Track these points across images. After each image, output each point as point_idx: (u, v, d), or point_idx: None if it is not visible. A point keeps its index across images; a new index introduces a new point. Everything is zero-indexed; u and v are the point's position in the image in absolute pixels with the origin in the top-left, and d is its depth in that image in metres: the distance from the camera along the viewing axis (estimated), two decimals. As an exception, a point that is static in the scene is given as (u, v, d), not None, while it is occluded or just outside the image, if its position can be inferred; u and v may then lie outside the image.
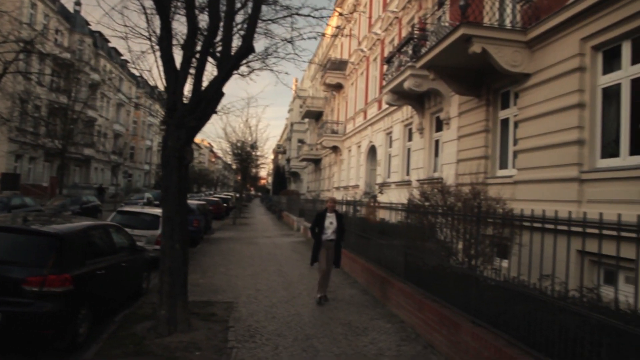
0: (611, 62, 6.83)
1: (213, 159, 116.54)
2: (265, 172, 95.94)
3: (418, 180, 13.05)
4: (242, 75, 6.94)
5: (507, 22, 8.76)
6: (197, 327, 6.30)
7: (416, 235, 7.26)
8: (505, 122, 9.41)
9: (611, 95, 6.78)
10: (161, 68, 6.09)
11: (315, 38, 6.94)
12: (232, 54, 6.10)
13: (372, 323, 6.96)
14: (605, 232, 3.75)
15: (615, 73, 6.67)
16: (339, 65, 26.69)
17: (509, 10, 8.91)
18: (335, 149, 27.34)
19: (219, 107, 6.08)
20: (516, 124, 8.64)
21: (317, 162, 35.94)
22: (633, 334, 3.23)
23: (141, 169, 63.11)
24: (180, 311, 6.15)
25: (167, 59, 6.05)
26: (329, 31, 34.53)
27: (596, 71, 7.01)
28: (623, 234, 3.55)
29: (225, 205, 35.81)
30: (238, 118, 60.13)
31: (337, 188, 25.74)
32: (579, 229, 4.03)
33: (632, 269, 4.00)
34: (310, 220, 19.06)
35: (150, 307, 7.15)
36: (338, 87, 28.00)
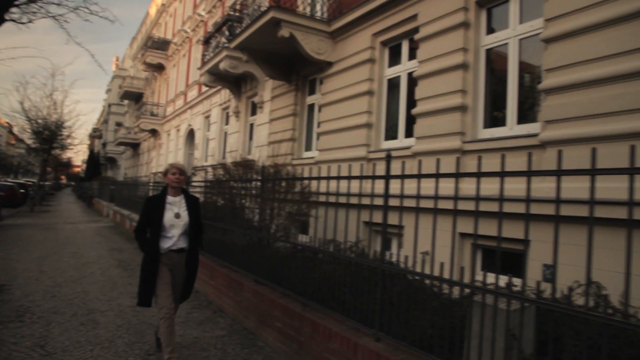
0: (395, 56, 7.77)
1: (13, 142, 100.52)
2: (80, 159, 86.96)
3: (232, 163, 13.10)
4: (18, 22, 6.07)
5: (318, 13, 9.31)
6: (-51, 312, 5.38)
7: (213, 207, 7.30)
8: (311, 107, 10.02)
9: (394, 85, 7.72)
10: None
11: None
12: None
13: (166, 296, 6.76)
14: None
15: (397, 66, 7.62)
16: (162, 45, 25.37)
17: (319, 2, 9.47)
18: (154, 133, 25.93)
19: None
20: (320, 109, 9.26)
21: (135, 146, 33.64)
22: (373, 268, 3.73)
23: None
24: None
25: None
26: (153, 10, 32.61)
27: (383, 64, 7.91)
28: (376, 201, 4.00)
29: (22, 191, 31.27)
30: (40, 91, 52.97)
31: (155, 174, 24.45)
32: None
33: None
34: (124, 205, 17.60)
35: None
36: (160, 68, 26.61)
